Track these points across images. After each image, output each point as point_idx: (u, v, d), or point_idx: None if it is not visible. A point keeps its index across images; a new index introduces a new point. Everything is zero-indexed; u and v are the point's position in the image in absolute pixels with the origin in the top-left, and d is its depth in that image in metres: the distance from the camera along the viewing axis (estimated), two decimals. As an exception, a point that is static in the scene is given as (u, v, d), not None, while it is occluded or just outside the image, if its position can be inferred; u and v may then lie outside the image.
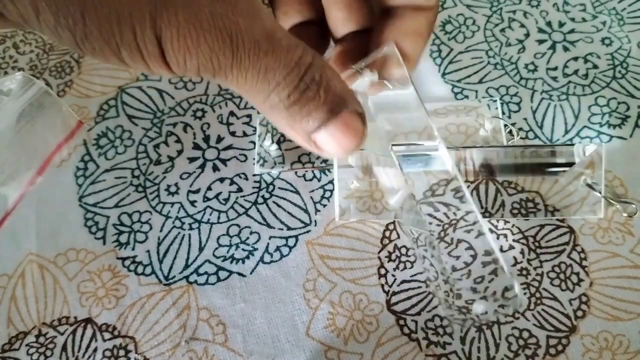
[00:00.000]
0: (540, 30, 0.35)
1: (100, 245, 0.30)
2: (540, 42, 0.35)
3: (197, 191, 0.31)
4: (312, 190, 0.31)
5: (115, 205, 0.31)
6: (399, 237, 0.30)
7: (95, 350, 0.28)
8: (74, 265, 0.30)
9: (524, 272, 0.28)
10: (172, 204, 0.31)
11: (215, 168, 0.32)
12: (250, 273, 0.29)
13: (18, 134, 0.27)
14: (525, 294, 0.28)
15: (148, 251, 0.30)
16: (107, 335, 0.28)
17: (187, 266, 0.29)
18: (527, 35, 0.35)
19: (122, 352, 0.28)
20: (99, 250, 0.30)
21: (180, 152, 0.33)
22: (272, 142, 0.32)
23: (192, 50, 0.18)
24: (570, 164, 0.29)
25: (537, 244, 0.29)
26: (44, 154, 0.28)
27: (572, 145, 0.29)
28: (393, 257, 0.29)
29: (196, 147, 0.33)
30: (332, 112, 0.20)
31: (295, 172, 0.31)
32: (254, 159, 0.32)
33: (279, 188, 0.31)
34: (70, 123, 0.29)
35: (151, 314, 0.28)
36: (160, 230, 0.30)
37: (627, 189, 0.30)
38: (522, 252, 0.29)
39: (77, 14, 0.17)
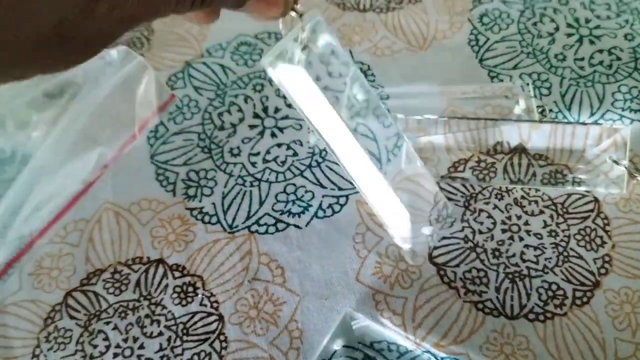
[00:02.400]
0: (569, 25, 0.39)
1: (171, 197, 0.34)
2: (569, 35, 0.38)
3: (257, 154, 0.35)
4: (362, 156, 0.34)
5: (184, 163, 0.35)
6: (440, 199, 0.33)
7: (166, 286, 0.31)
8: (147, 214, 0.33)
9: (553, 234, 0.32)
10: (235, 164, 0.35)
11: (273, 135, 0.35)
12: (306, 226, 0.32)
13: (118, 101, 0.31)
14: (554, 252, 0.31)
15: (213, 203, 0.33)
16: (177, 274, 0.31)
17: (248, 217, 0.33)
18: (557, 29, 0.39)
19: (190, 289, 0.31)
20: (170, 201, 0.34)
21: (241, 120, 0.36)
22: (325, 113, 0.36)
23: None
24: (597, 144, 0.33)
25: (564, 210, 0.32)
26: (141, 120, 0.32)
27: (600, 124, 0.33)
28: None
29: (256, 116, 0.36)
30: None
31: (346, 141, 0.35)
32: (308, 128, 0.35)
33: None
34: (164, 95, 0.33)
35: (217, 257, 0.32)
36: (225, 186, 0.34)
37: (647, 165, 0.33)
38: (551, 217, 0.32)
39: None
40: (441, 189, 0.33)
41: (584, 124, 0.34)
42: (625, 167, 0.32)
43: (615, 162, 0.32)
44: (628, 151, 0.32)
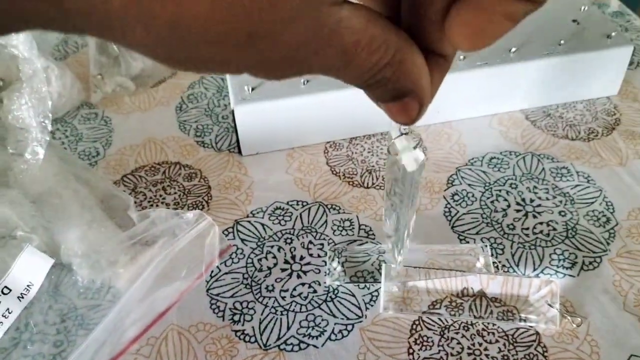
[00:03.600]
0: (518, 204, 0.53)
1: (221, 321, 0.45)
2: (517, 211, 0.52)
3: (287, 290, 0.47)
4: (364, 295, 0.46)
5: (231, 296, 0.47)
6: (422, 329, 0.44)
7: (215, 389, 0.41)
8: (202, 333, 0.44)
9: (505, 357, 0.42)
10: (270, 297, 0.46)
11: (298, 276, 0.48)
12: (322, 346, 0.43)
13: (191, 249, 0.44)
14: (506, 371, 0.42)
15: (253, 327, 0.45)
16: (224, 380, 0.42)
17: (279, 338, 0.44)
18: (509, 206, 0.53)
19: (234, 392, 0.41)
20: (220, 324, 0.45)
21: (275, 264, 0.49)
22: (338, 263, 0.48)
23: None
24: (537, 291, 0.45)
25: (514, 339, 0.43)
26: (207, 263, 0.45)
27: (539, 277, 0.45)
28: (418, 342, 0.43)
29: (286, 262, 0.49)
30: (394, 99, 0.22)
31: (353, 283, 0.47)
32: (325, 272, 0.48)
33: (342, 292, 0.47)
34: (223, 245, 0.46)
35: (254, 368, 0.42)
36: (262, 314, 0.45)
37: (575, 308, 0.45)
38: (504, 344, 0.43)
39: None
40: (423, 321, 0.45)
41: (528, 276, 0.47)
42: (558, 310, 0.44)
43: (550, 305, 0.44)
44: (559, 297, 0.44)
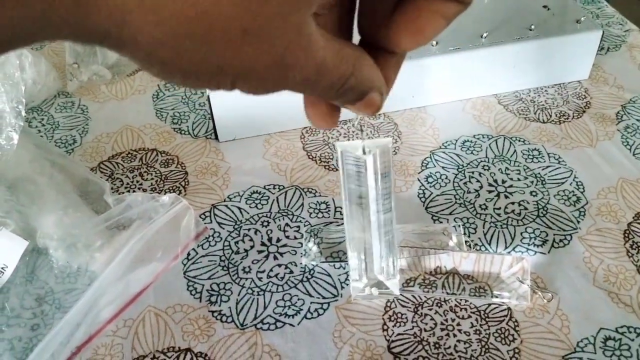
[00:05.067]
0: (490, 185, 0.54)
1: (198, 302, 0.45)
2: (490, 191, 0.53)
3: (263, 271, 0.47)
4: (340, 274, 0.47)
5: (208, 277, 0.47)
6: (396, 306, 0.45)
7: (192, 368, 0.42)
8: (179, 315, 0.45)
9: (477, 332, 0.43)
10: (246, 279, 0.47)
11: (275, 257, 0.48)
12: (298, 324, 0.44)
13: (167, 231, 0.44)
14: (478, 345, 0.42)
15: (230, 307, 0.45)
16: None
17: (255, 318, 0.44)
18: (481, 187, 0.54)
19: (211, 370, 0.42)
20: (197, 305, 0.45)
21: (252, 247, 0.49)
22: (314, 243, 0.49)
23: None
24: (509, 268, 0.46)
25: (485, 315, 0.44)
26: (183, 245, 0.45)
27: (511, 255, 0.46)
28: (392, 318, 0.44)
29: (263, 244, 0.49)
30: (359, 98, 0.25)
31: (328, 263, 0.48)
32: (301, 253, 0.48)
33: (317, 272, 0.47)
34: (199, 227, 0.46)
35: (231, 347, 0.43)
36: (238, 295, 0.46)
37: (546, 284, 0.46)
38: (476, 320, 0.44)
39: None
40: (397, 299, 0.45)
41: (500, 254, 0.48)
42: (529, 286, 0.45)
43: (522, 281, 0.45)
44: (530, 274, 0.45)
